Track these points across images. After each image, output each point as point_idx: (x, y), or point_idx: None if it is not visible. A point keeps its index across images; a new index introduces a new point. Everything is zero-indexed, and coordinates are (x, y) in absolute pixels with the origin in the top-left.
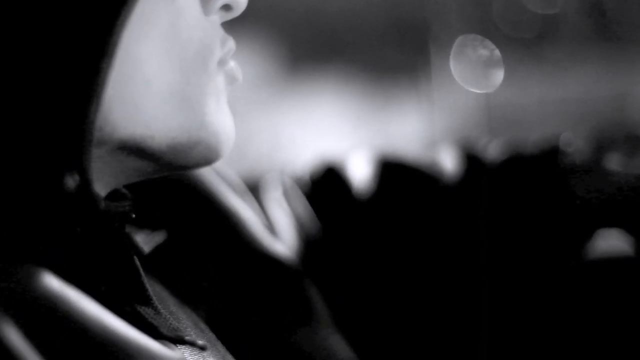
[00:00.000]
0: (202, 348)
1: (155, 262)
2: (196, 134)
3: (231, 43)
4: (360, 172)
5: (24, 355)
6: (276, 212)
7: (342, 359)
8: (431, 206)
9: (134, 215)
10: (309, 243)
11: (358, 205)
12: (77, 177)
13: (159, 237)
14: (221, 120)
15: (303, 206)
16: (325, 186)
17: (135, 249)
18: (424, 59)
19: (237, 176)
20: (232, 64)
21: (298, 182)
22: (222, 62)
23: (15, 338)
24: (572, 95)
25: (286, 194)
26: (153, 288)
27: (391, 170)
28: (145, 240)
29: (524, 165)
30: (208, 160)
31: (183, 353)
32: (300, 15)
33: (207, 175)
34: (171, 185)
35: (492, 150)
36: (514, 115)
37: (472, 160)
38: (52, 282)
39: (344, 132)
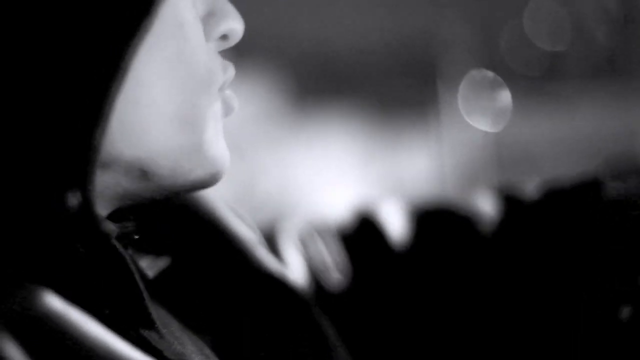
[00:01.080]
0: None
1: (159, 287)
2: (196, 158)
3: (232, 70)
4: (394, 221)
5: None
6: (291, 257)
7: None
8: (471, 252)
9: (137, 237)
10: (326, 291)
11: (396, 256)
12: (79, 196)
13: (163, 263)
14: (218, 146)
15: (320, 253)
16: (360, 237)
17: (139, 272)
18: (432, 95)
19: (250, 217)
20: (228, 92)
21: (331, 231)
22: (221, 88)
23: (17, 356)
24: (580, 131)
25: (303, 240)
26: (157, 312)
27: (428, 218)
28: (150, 266)
29: (566, 201)
30: (204, 184)
31: None
32: (307, 51)
33: (212, 200)
34: (175, 210)
35: (530, 190)
36: (523, 151)
37: (511, 202)
38: (55, 303)
39: (351, 168)
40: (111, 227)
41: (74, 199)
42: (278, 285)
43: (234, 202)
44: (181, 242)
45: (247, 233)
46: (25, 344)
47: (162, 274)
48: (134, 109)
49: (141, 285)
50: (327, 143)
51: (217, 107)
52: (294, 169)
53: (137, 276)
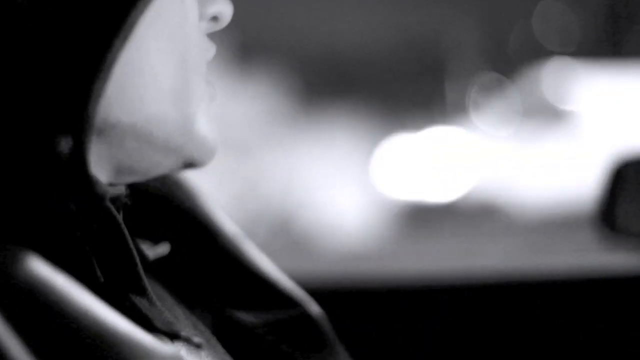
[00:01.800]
0: (198, 345)
1: (157, 268)
2: (187, 134)
3: (214, 49)
4: None
5: (3, 339)
6: None
7: None
8: None
9: (129, 202)
10: None
11: None
12: (70, 142)
13: (162, 249)
14: (208, 126)
15: None
16: None
17: (137, 249)
18: (440, 96)
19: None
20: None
21: None
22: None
23: None
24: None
25: None
26: (151, 285)
27: None
28: (148, 249)
29: None
30: (194, 163)
31: (179, 351)
32: (315, 52)
33: (204, 197)
34: (167, 208)
35: None
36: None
37: None
38: (40, 268)
39: (357, 167)
40: (106, 188)
41: (65, 145)
42: (266, 281)
43: (239, 200)
44: (173, 237)
45: (236, 230)
46: (6, 312)
47: (160, 260)
48: (134, 76)
49: (134, 251)
50: (333, 143)
51: (204, 87)
52: (300, 168)
53: (129, 240)
